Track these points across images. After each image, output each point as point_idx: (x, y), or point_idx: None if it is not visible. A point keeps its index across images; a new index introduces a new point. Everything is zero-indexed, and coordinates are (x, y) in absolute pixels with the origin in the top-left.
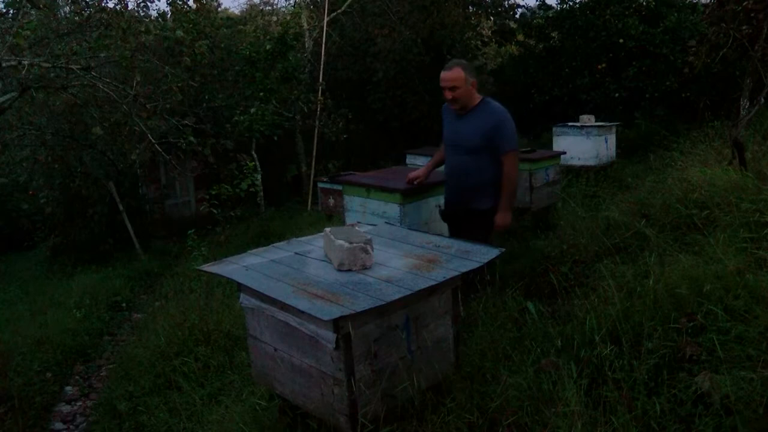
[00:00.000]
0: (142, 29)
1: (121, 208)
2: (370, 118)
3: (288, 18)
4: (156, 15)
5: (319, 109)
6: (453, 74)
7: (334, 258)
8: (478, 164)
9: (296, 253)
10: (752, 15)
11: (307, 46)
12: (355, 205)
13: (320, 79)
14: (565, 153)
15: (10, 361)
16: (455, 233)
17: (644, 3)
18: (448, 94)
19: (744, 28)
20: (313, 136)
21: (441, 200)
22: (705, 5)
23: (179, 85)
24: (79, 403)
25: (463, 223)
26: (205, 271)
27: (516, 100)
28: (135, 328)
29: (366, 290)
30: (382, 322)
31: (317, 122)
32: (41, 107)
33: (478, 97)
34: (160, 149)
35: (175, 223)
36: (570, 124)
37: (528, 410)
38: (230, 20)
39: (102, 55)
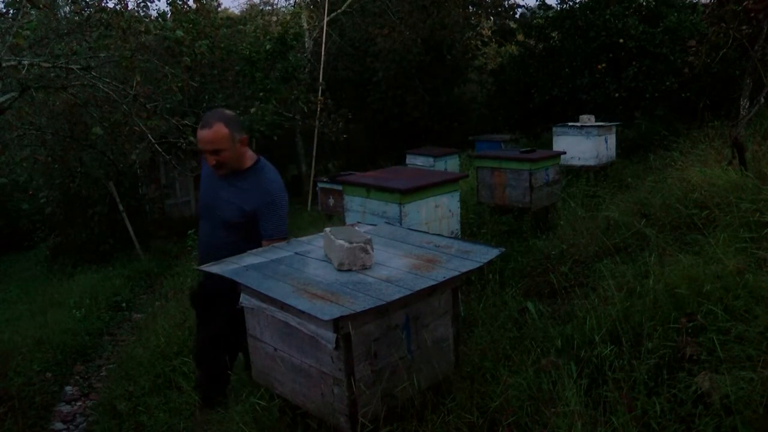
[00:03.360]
0: (142, 29)
1: (121, 208)
2: (370, 118)
3: (288, 18)
4: (156, 15)
5: (319, 109)
6: (213, 134)
7: (334, 258)
8: (234, 241)
9: (296, 253)
10: (752, 15)
11: (307, 46)
12: (355, 205)
13: (320, 79)
14: (565, 153)
15: (10, 361)
16: (206, 318)
17: (644, 3)
18: (211, 160)
19: (744, 28)
20: (313, 136)
21: (441, 200)
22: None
23: (179, 85)
24: (79, 403)
25: (219, 307)
26: (205, 271)
27: (516, 100)
28: (135, 328)
29: (366, 290)
30: (382, 322)
31: (317, 122)
32: (41, 107)
33: (251, 157)
34: (160, 149)
35: (175, 223)
36: (570, 124)
37: (528, 410)
38: (230, 20)
39: (102, 55)
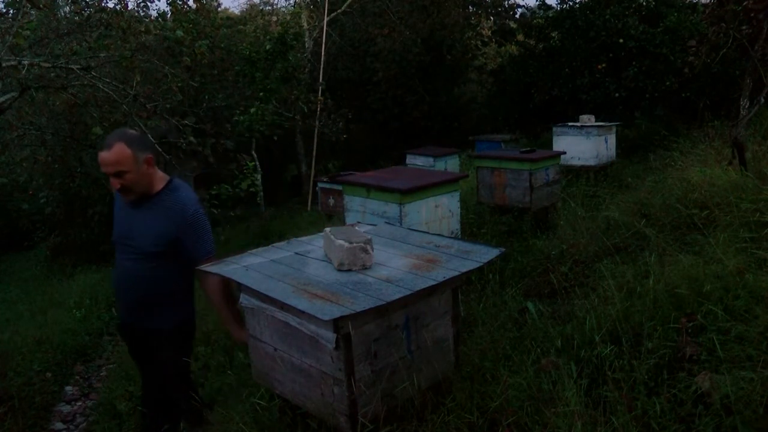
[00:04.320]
0: (142, 29)
1: None
2: (370, 118)
3: (288, 18)
4: (156, 15)
5: (319, 109)
6: (114, 154)
7: (334, 258)
8: (155, 273)
9: (296, 253)
10: (752, 15)
11: (307, 46)
12: (355, 205)
13: (320, 79)
14: (565, 153)
15: (10, 361)
16: (137, 356)
17: (644, 3)
18: (116, 183)
19: (744, 28)
20: (313, 136)
21: (441, 200)
22: (705, 5)
23: (179, 85)
24: (79, 403)
25: (144, 344)
26: (205, 271)
27: (516, 100)
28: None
29: (366, 290)
30: (382, 322)
31: (317, 122)
32: (41, 107)
33: (161, 179)
34: (160, 149)
35: None
36: (570, 124)
37: (528, 410)
38: (230, 20)
39: (102, 55)
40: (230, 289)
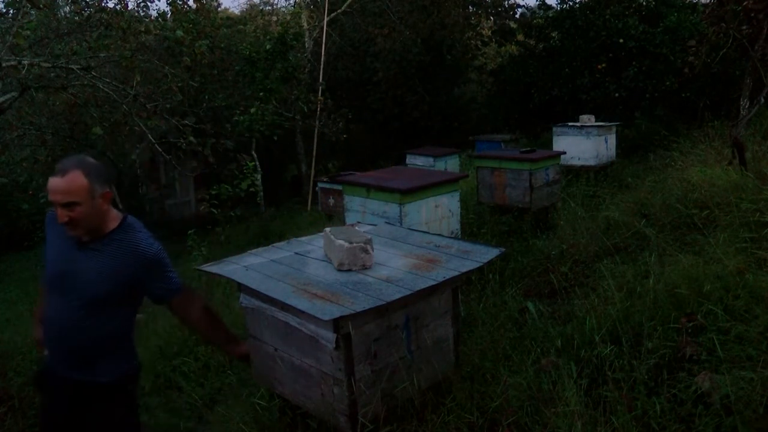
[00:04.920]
0: (142, 29)
1: (120, 208)
2: (370, 118)
3: (288, 18)
4: (156, 15)
5: (319, 109)
6: (68, 183)
7: (334, 258)
8: (99, 321)
9: (296, 253)
10: (752, 15)
11: (307, 46)
12: (355, 205)
13: (320, 79)
14: (565, 153)
15: (10, 361)
16: (54, 415)
17: (644, 3)
18: (63, 215)
19: (744, 28)
20: (313, 136)
21: (441, 200)
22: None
23: (179, 85)
24: None
25: (74, 400)
26: (205, 271)
27: (516, 100)
28: (135, 328)
29: (366, 290)
30: (382, 322)
31: (317, 122)
32: (41, 107)
33: (115, 217)
34: (160, 149)
35: (175, 223)
36: (570, 124)
37: (528, 410)
38: (230, 20)
39: (102, 55)
40: (214, 312)
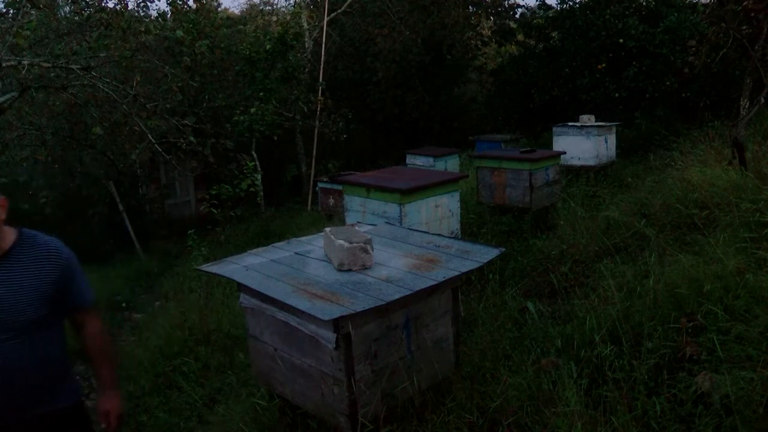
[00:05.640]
0: (142, 29)
1: (121, 208)
2: (370, 118)
3: (288, 18)
4: (156, 15)
5: (319, 109)
6: None
7: (334, 258)
8: (36, 346)
9: (296, 253)
10: (752, 15)
11: (307, 46)
12: (355, 205)
13: (320, 79)
14: (565, 153)
15: None
16: None
17: (644, 3)
18: None
19: (744, 28)
20: (313, 136)
21: (441, 200)
22: (705, 5)
23: (179, 85)
24: None
25: None
26: (205, 271)
27: (516, 100)
28: (135, 328)
29: (366, 290)
30: (382, 322)
31: (317, 122)
32: (41, 107)
33: (10, 231)
34: (160, 149)
35: (175, 223)
36: (570, 124)
37: (528, 410)
38: (230, 20)
39: (102, 55)
40: (110, 341)
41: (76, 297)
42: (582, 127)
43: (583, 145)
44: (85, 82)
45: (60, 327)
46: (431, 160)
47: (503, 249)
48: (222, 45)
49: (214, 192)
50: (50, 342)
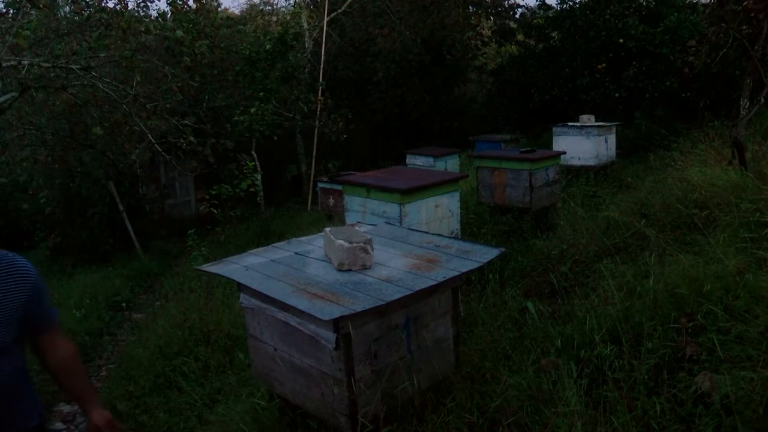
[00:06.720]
0: (142, 29)
1: (121, 208)
2: (370, 118)
3: (288, 18)
4: (156, 15)
5: (319, 109)
6: None
7: (334, 258)
8: (14, 367)
9: (296, 253)
10: (752, 15)
11: (307, 46)
12: (355, 205)
13: (320, 79)
14: (565, 153)
15: None
16: None
17: (644, 3)
18: None
19: (744, 28)
20: (313, 136)
21: (441, 200)
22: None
23: (179, 85)
24: None
25: None
26: (205, 271)
27: (516, 100)
28: (135, 328)
29: (366, 290)
30: (382, 322)
31: (317, 122)
32: (41, 107)
33: None
34: (160, 149)
35: (175, 223)
36: (570, 124)
37: (528, 410)
38: (230, 20)
39: (102, 55)
40: (78, 359)
41: (41, 318)
42: (582, 127)
43: (583, 145)
44: (85, 82)
45: (21, 346)
46: (431, 160)
47: (503, 249)
48: (222, 45)
49: (214, 192)
50: (16, 359)
